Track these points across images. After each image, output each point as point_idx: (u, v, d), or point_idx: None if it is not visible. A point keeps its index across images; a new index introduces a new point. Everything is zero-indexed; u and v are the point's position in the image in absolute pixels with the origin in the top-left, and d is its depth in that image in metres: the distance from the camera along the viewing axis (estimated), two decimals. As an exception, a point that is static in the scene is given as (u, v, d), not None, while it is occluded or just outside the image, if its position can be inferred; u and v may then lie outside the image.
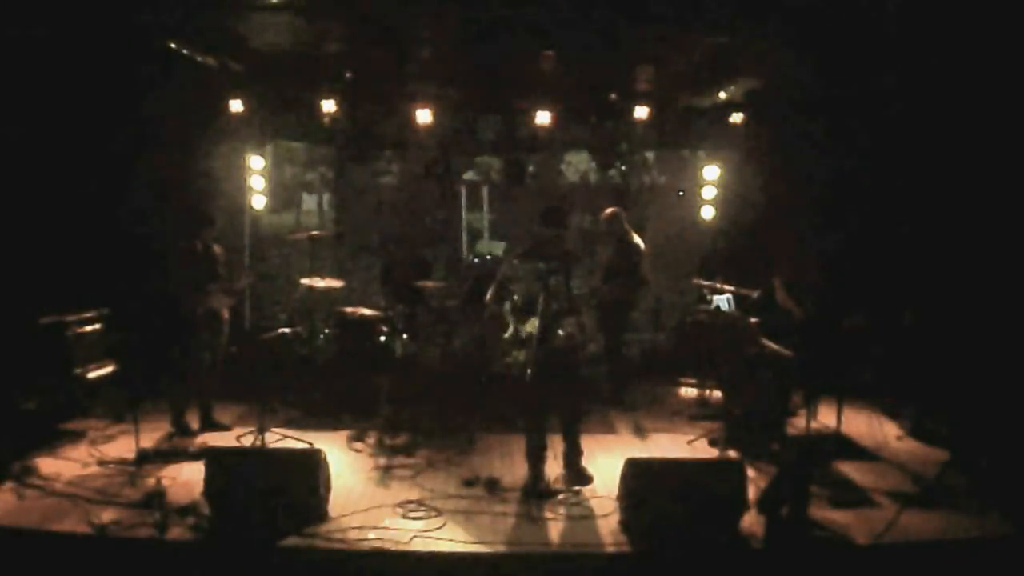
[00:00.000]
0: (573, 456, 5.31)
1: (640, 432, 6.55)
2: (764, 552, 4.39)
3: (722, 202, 8.56)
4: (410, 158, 8.70)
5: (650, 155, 8.97)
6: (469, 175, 8.91)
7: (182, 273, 5.97)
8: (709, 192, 8.58)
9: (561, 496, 5.03)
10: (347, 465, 5.56)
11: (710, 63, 6.71)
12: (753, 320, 6.25)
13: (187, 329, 5.99)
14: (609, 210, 7.35)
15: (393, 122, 7.97)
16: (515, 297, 5.18)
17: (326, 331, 7.25)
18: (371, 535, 4.42)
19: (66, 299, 6.44)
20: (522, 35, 5.97)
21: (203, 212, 6.47)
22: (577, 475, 5.27)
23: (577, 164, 8.96)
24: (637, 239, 7.19)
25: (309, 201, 9.01)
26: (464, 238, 9.05)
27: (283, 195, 8.81)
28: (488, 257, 8.82)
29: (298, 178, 8.92)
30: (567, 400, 5.27)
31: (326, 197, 9.12)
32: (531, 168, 8.84)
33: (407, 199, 8.66)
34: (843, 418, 6.32)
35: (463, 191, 8.97)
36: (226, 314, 6.27)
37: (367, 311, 6.95)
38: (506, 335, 5.25)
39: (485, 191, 8.98)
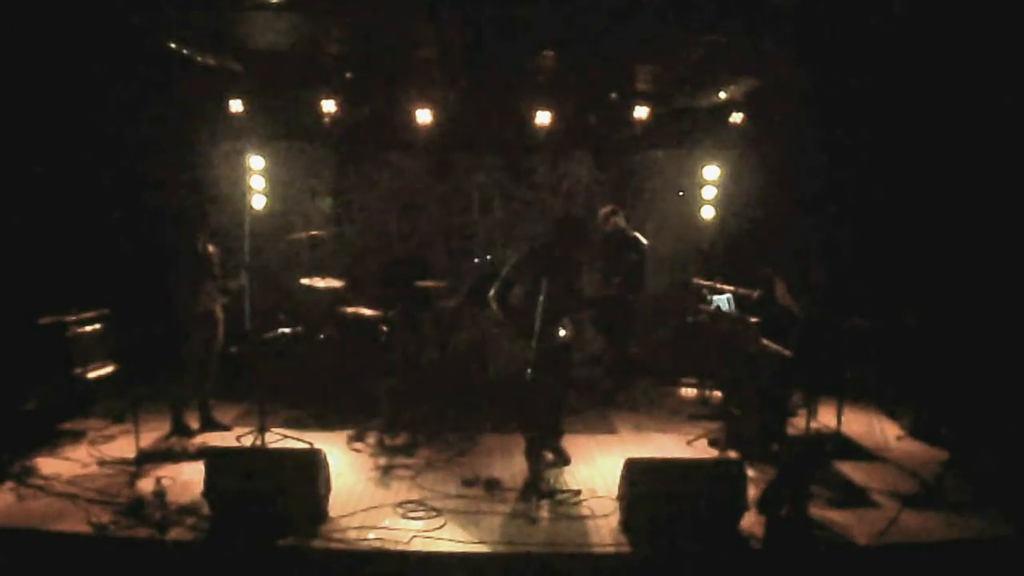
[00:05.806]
0: (553, 437, 5.49)
1: (640, 432, 6.55)
2: (764, 552, 4.39)
3: (722, 202, 8.57)
4: (417, 159, 8.67)
5: (651, 155, 8.96)
6: (479, 177, 8.87)
7: (180, 273, 5.96)
8: (709, 192, 8.59)
9: (561, 496, 5.03)
10: (347, 465, 5.56)
11: (710, 63, 6.70)
12: (753, 320, 6.25)
13: (183, 329, 5.99)
14: (605, 208, 7.36)
15: (397, 123, 7.96)
16: (515, 298, 5.19)
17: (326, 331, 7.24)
18: (371, 535, 4.42)
19: (66, 299, 6.44)
20: (522, 35, 5.97)
21: (199, 211, 6.42)
22: (557, 455, 5.52)
23: (587, 164, 8.93)
24: (638, 236, 7.20)
25: (322, 204, 8.95)
26: (475, 240, 9.00)
27: (295, 198, 8.75)
28: (488, 258, 8.80)
29: (308, 181, 8.86)
30: (554, 388, 5.34)
31: (335, 199, 9.06)
32: (540, 169, 8.82)
33: (414, 200, 8.62)
34: (843, 418, 6.34)
35: (475, 193, 8.91)
36: (220, 313, 6.25)
37: (367, 311, 6.95)
38: (507, 336, 5.27)
39: (496, 193, 8.91)
